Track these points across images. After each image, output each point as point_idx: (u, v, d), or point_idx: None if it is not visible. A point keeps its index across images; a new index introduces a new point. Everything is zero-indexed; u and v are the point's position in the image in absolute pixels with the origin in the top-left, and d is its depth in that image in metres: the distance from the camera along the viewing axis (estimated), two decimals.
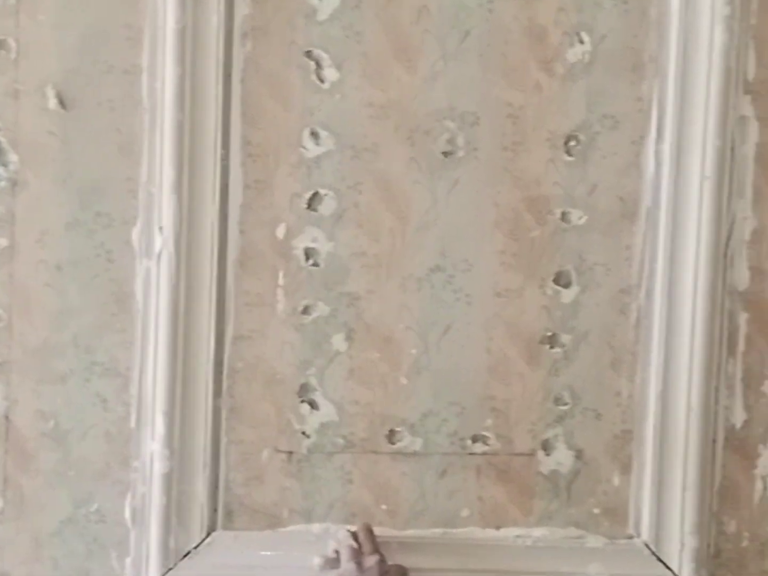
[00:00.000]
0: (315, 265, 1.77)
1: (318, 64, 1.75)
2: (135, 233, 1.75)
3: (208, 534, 1.78)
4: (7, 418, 1.78)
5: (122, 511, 1.79)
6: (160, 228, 1.73)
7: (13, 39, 1.75)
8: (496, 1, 1.74)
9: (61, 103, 1.74)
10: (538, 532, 1.79)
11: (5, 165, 1.76)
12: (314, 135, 1.76)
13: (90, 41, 1.74)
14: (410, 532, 1.79)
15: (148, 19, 1.73)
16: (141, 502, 1.78)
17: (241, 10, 1.73)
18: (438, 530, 1.79)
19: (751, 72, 1.74)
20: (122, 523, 1.79)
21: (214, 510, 1.78)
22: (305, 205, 1.76)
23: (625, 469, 1.79)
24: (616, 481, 1.79)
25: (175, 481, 1.76)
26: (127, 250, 1.76)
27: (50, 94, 1.74)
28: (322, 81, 1.75)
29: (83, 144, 1.75)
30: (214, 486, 1.78)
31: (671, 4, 1.73)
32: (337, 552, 1.68)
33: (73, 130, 1.75)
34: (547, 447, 1.79)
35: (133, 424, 1.78)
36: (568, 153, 1.76)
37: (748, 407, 1.78)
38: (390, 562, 1.66)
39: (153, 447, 1.76)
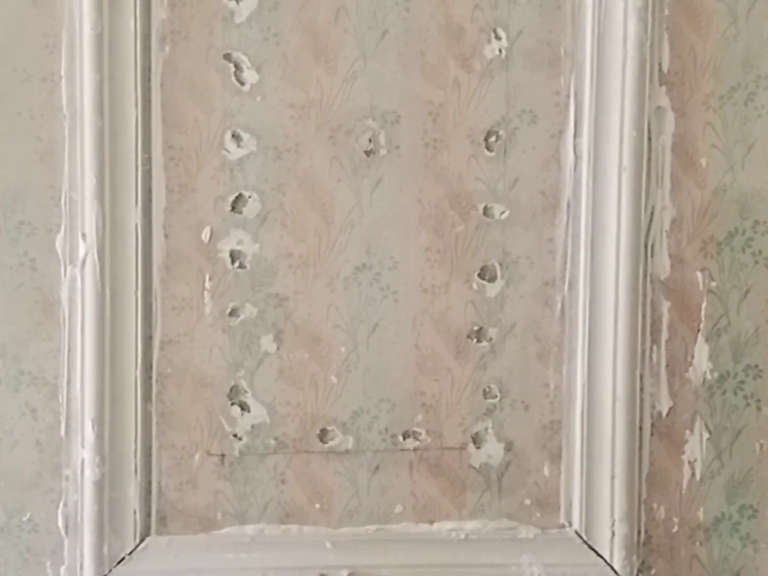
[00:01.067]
0: (241, 267, 1.78)
1: (237, 67, 1.75)
2: (59, 241, 1.75)
3: (142, 539, 1.77)
4: None
5: (55, 520, 1.78)
6: (84, 235, 1.73)
7: None
8: (412, 0, 1.75)
9: None
10: (470, 525, 1.81)
11: None
12: (236, 137, 1.76)
13: (7, 49, 1.73)
14: (344, 530, 1.80)
15: (65, 25, 1.72)
16: (73, 509, 1.77)
17: (159, 14, 1.73)
18: (372, 527, 1.80)
19: (666, 63, 1.76)
20: (55, 531, 1.78)
21: (148, 515, 1.78)
22: (229, 208, 1.77)
23: (555, 459, 1.81)
24: (546, 471, 1.81)
25: (107, 487, 1.75)
26: (52, 258, 1.75)
27: None
28: (242, 83, 1.76)
29: (3, 152, 1.74)
30: (147, 491, 1.78)
31: None
32: None
33: None
34: (477, 440, 1.81)
35: (62, 432, 1.77)
36: (489, 149, 1.78)
37: (673, 394, 1.81)
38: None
39: (83, 454, 1.75)
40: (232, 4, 1.74)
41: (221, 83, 1.75)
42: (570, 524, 1.81)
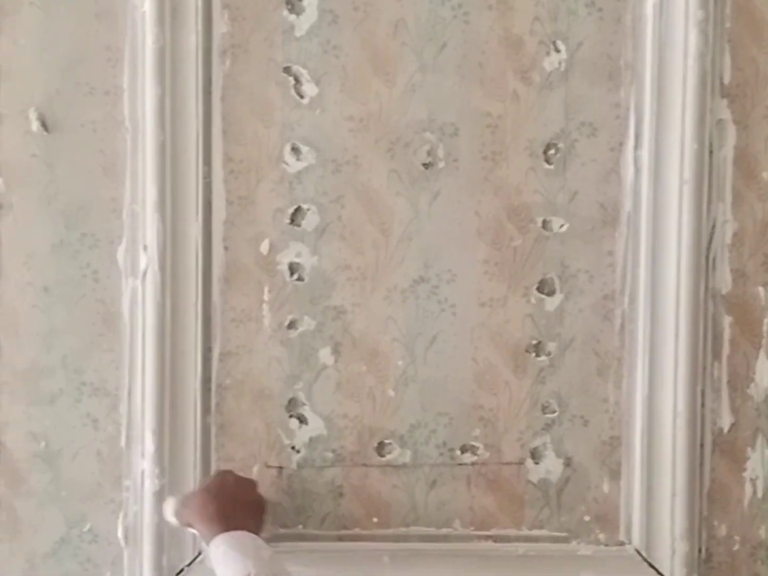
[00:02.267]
0: (300, 279, 1.78)
1: (297, 80, 1.76)
2: (120, 253, 1.77)
3: (201, 551, 1.78)
4: None
5: (115, 531, 1.79)
6: (145, 247, 1.75)
7: None
8: (471, 13, 1.75)
9: (44, 125, 1.76)
10: (529, 540, 1.79)
11: None
12: (295, 150, 1.77)
13: (71, 63, 1.75)
14: (402, 544, 1.79)
15: (127, 39, 1.75)
16: (133, 520, 1.79)
17: (220, 28, 1.75)
18: (430, 542, 1.79)
19: (727, 75, 1.75)
20: (115, 542, 1.79)
21: None
22: (288, 220, 1.78)
23: (614, 475, 1.79)
24: (605, 487, 1.79)
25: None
26: (113, 270, 1.77)
27: (33, 116, 1.75)
28: (301, 96, 1.77)
29: (67, 166, 1.77)
30: None
31: (646, 10, 1.74)
32: None
33: (57, 152, 1.76)
34: (535, 455, 1.80)
35: (123, 443, 1.79)
36: (548, 161, 1.77)
37: (734, 410, 1.78)
38: None
39: (144, 465, 1.77)
40: (292, 17, 1.75)
41: (281, 96, 1.76)
42: (630, 541, 1.79)
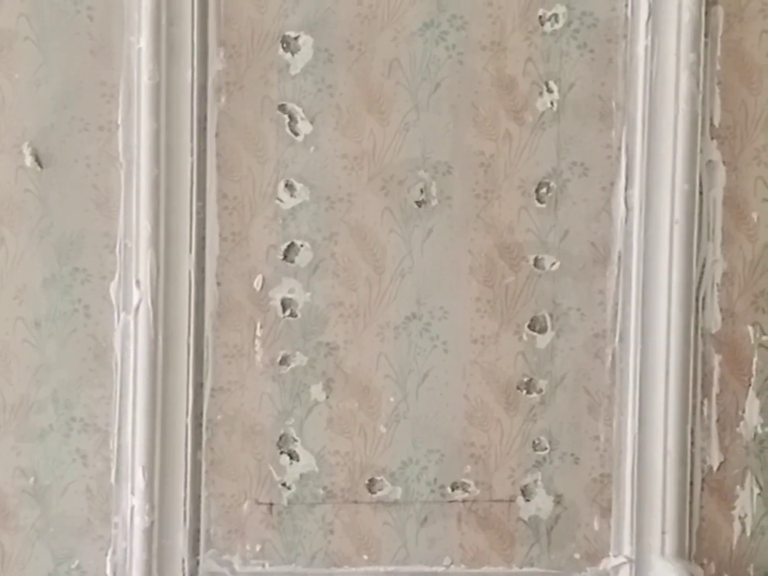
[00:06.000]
0: (292, 315, 1.79)
1: (291, 118, 1.77)
2: (113, 288, 1.76)
3: None
4: None
5: (104, 567, 1.78)
6: (138, 282, 1.74)
7: None
8: (465, 53, 1.77)
9: (38, 160, 1.76)
10: None
11: None
12: (289, 187, 1.78)
13: (65, 99, 1.75)
14: None
15: (122, 75, 1.75)
16: (122, 557, 1.77)
17: (215, 65, 1.76)
18: None
19: (717, 117, 1.77)
20: None
21: (196, 564, 1.78)
22: (281, 257, 1.78)
23: (605, 513, 1.80)
24: (596, 525, 1.80)
25: (156, 535, 1.76)
26: (105, 305, 1.77)
27: (26, 151, 1.75)
28: (296, 134, 1.77)
29: (60, 200, 1.76)
30: (195, 539, 1.78)
31: (637, 51, 1.76)
32: None
33: (50, 187, 1.76)
34: (526, 493, 1.80)
35: (113, 479, 1.77)
36: (540, 200, 1.78)
37: (724, 449, 1.79)
38: None
39: (133, 502, 1.76)
40: (288, 55, 1.76)
41: (275, 133, 1.77)
42: None
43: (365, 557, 1.79)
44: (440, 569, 1.79)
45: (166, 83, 1.74)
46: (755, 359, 1.79)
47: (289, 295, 1.78)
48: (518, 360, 1.79)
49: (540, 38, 1.77)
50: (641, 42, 1.76)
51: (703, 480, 1.79)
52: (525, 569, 1.79)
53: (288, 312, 1.78)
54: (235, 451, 1.78)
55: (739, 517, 1.80)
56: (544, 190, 1.79)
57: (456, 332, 1.79)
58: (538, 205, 1.79)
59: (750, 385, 1.79)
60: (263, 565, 1.79)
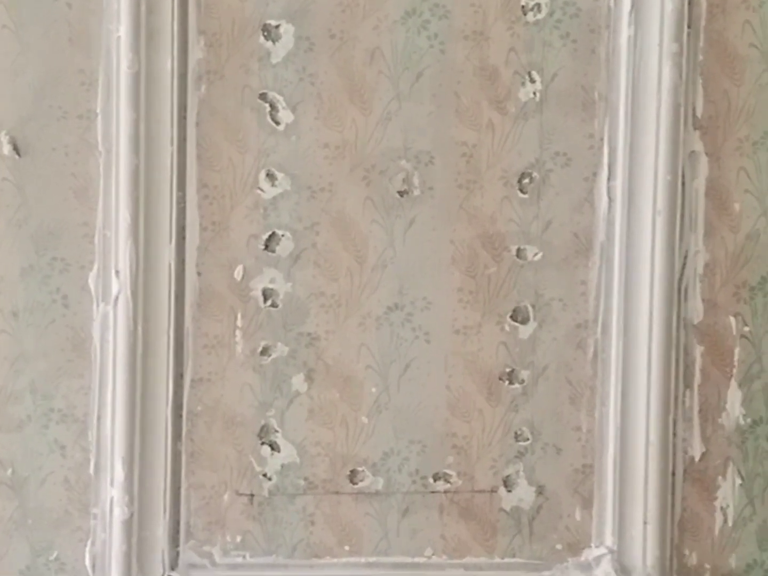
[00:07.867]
0: (273, 305, 1.78)
1: (272, 107, 1.76)
2: (91, 278, 1.75)
3: None
4: None
5: (82, 559, 1.77)
6: (117, 272, 1.73)
7: None
8: (448, 43, 1.76)
9: (16, 149, 1.74)
10: (501, 568, 1.79)
11: None
12: (270, 176, 1.76)
13: (44, 87, 1.74)
14: (373, 572, 1.78)
15: (102, 64, 1.73)
16: (101, 549, 1.76)
17: (195, 54, 1.74)
18: (402, 570, 1.79)
19: (700, 108, 1.77)
20: (83, 570, 1.77)
21: (176, 555, 1.77)
22: (262, 246, 1.77)
23: (587, 504, 1.80)
24: (577, 516, 1.80)
25: (135, 527, 1.74)
26: (84, 295, 1.75)
27: (4, 140, 1.73)
28: (277, 123, 1.76)
29: (38, 190, 1.75)
30: (175, 531, 1.77)
31: (620, 42, 1.76)
32: None
33: (28, 176, 1.74)
34: (508, 483, 1.80)
35: (92, 470, 1.76)
36: (522, 190, 1.78)
37: (705, 439, 1.80)
38: None
39: (112, 493, 1.74)
40: (269, 44, 1.75)
41: (256, 123, 1.76)
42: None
43: (347, 548, 1.79)
44: (422, 560, 1.78)
45: (145, 72, 1.72)
46: (737, 350, 1.79)
47: (270, 285, 1.77)
48: (500, 350, 1.79)
49: (522, 28, 1.77)
50: (624, 32, 1.75)
51: (685, 471, 1.79)
52: (507, 560, 1.79)
53: (269, 302, 1.77)
54: (216, 442, 1.77)
55: (721, 508, 1.80)
56: (526, 180, 1.78)
57: (438, 323, 1.78)
58: (521, 195, 1.78)
59: (732, 376, 1.79)
60: (244, 557, 1.78)
